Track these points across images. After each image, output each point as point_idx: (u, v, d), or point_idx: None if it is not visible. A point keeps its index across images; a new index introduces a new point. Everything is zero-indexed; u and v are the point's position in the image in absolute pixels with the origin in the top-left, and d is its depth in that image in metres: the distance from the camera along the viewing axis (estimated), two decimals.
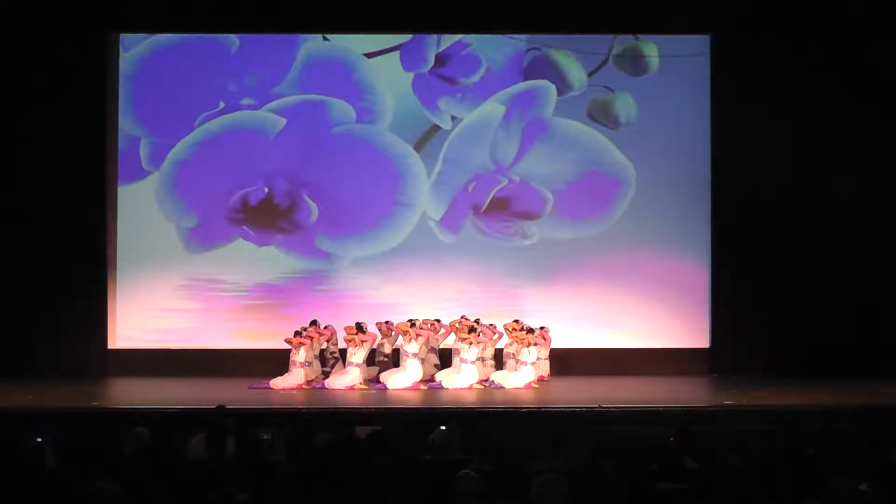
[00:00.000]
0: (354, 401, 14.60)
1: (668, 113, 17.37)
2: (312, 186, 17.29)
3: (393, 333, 16.09)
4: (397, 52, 17.44)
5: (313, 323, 16.14)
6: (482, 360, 15.94)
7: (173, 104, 17.26)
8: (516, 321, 16.31)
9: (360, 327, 15.77)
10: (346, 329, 15.82)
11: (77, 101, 17.02)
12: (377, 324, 16.20)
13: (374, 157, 17.34)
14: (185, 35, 17.34)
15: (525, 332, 15.91)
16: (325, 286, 17.18)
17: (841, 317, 17.07)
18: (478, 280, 17.32)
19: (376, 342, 15.97)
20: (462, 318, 16.15)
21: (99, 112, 17.16)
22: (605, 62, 17.44)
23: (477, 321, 16.04)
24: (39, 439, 8.41)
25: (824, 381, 15.58)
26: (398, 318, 16.19)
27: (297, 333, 15.83)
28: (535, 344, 15.84)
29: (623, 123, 17.45)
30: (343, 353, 15.89)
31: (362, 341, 15.61)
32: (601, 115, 17.46)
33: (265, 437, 9.32)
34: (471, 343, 15.62)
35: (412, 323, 15.91)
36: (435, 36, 17.41)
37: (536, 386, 15.62)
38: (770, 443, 9.14)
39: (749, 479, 7.91)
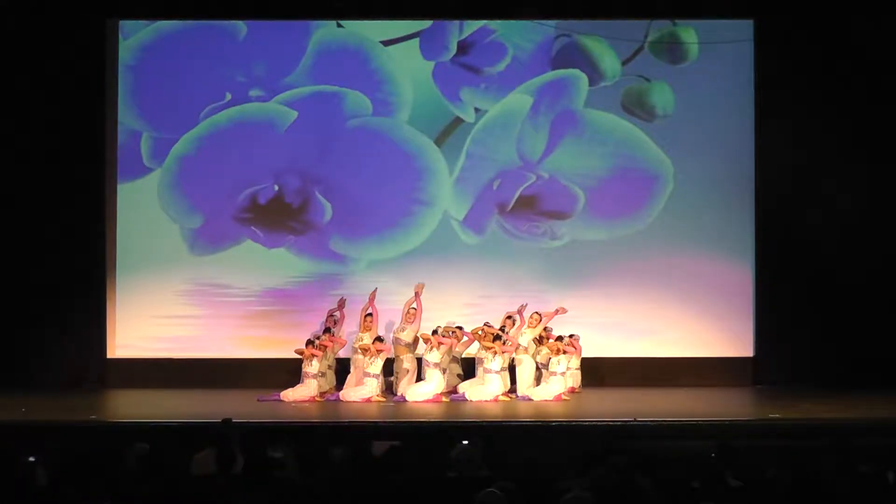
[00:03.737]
0: (371, 414, 14.60)
1: (709, 104, 17.31)
2: (326, 184, 17.29)
3: None
4: (417, 40, 17.42)
5: (327, 331, 16.14)
6: (508, 370, 15.92)
7: (177, 96, 17.29)
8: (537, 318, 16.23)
9: (376, 336, 15.78)
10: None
11: (73, 93, 17.05)
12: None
13: (392, 152, 17.33)
14: (190, 21, 17.36)
15: (554, 340, 15.86)
16: (339, 291, 17.14)
17: None
18: (503, 284, 17.27)
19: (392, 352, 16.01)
20: (486, 324, 16.11)
21: (97, 105, 17.18)
22: (640, 49, 17.39)
23: (502, 328, 16.00)
24: (32, 458, 8.40)
25: (879, 393, 15.51)
26: None
27: (309, 343, 15.83)
28: (565, 352, 15.80)
29: (660, 115, 17.40)
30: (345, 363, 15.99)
31: (378, 351, 15.60)
32: (636, 107, 17.41)
33: (275, 453, 9.32)
34: (495, 352, 15.59)
35: (433, 330, 15.89)
36: (457, 22, 17.38)
37: (567, 398, 15.59)
38: (820, 459, 9.09)
39: (797, 499, 7.86)
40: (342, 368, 16.19)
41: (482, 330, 15.96)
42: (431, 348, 15.60)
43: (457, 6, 17.29)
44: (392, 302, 16.88)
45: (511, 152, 17.31)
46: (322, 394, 15.66)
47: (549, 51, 17.38)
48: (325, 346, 15.87)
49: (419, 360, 15.90)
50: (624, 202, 17.39)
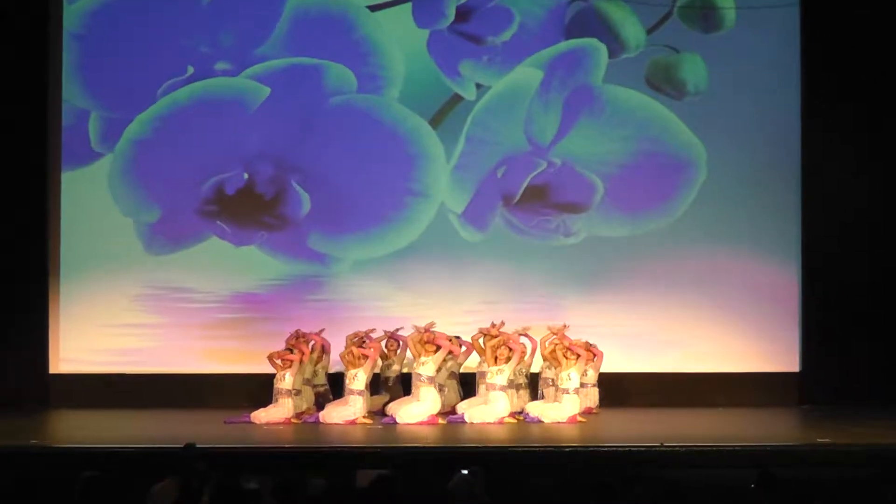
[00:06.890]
0: (356, 438, 14.63)
1: (747, 79, 17.37)
2: (303, 172, 17.34)
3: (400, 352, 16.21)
4: (409, 4, 17.48)
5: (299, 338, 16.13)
6: (515, 386, 15.95)
7: (131, 70, 17.31)
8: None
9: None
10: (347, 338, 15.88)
11: (9, 66, 17.08)
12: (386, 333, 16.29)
13: (381, 134, 17.38)
14: None
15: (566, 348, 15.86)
16: (319, 295, 17.21)
17: None
18: (509, 288, 17.33)
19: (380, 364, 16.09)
20: (492, 325, 16.05)
21: (38, 80, 17.22)
22: (668, 16, 17.46)
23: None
24: None
25: None
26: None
27: (288, 350, 15.81)
28: (579, 356, 15.59)
29: (691, 92, 17.46)
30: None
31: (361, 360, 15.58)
32: (663, 82, 17.47)
33: (246, 483, 9.37)
34: (507, 358, 15.47)
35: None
36: None
37: (583, 419, 15.62)
38: (874, 490, 9.15)
39: None
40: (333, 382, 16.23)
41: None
42: (427, 354, 15.52)
43: None
44: (381, 309, 16.96)
45: (518, 135, 17.37)
46: (299, 414, 15.63)
47: (562, 17, 17.44)
48: (302, 352, 15.78)
49: (409, 375, 15.93)
50: (649, 193, 17.45)
